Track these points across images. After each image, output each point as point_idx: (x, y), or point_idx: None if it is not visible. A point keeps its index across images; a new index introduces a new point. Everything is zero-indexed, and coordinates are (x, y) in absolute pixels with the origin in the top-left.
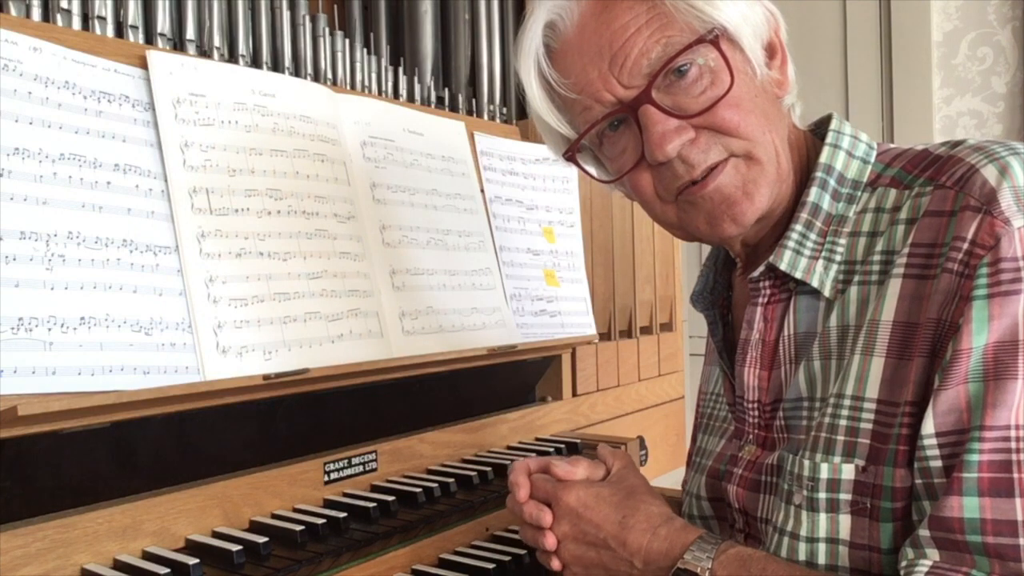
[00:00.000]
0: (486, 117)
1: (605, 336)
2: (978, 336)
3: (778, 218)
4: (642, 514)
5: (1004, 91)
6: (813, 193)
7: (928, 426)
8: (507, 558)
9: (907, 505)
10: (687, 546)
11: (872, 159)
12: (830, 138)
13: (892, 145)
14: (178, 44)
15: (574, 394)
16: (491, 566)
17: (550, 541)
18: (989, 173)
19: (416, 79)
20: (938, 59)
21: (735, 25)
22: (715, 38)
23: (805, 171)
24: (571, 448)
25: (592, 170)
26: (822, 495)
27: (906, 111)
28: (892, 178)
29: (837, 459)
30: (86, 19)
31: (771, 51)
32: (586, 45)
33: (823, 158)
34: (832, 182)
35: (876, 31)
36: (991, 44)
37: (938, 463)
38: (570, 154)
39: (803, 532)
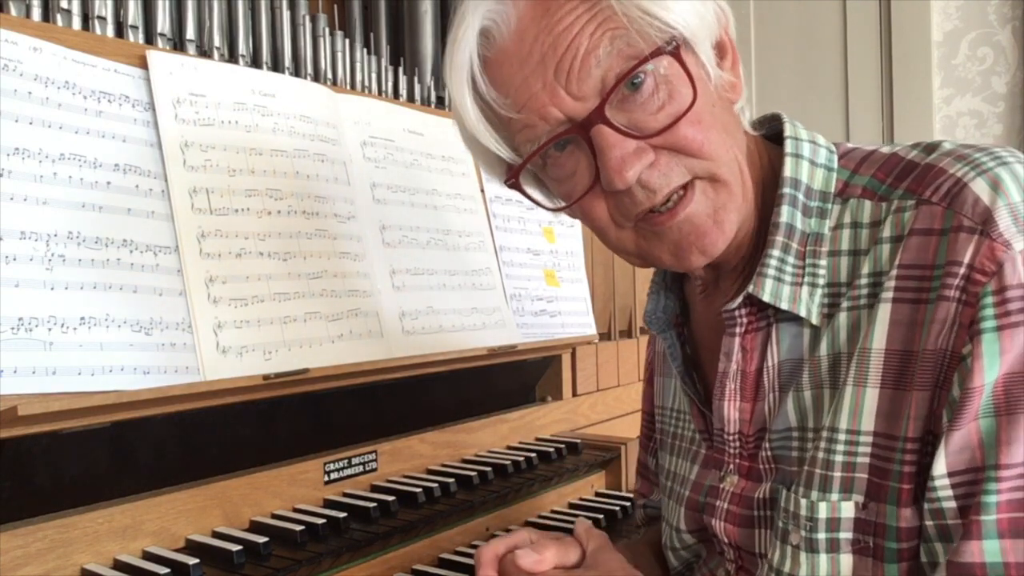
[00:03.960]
0: None
1: (605, 336)
2: (989, 372)
3: (741, 239)
4: None
5: (1004, 91)
6: (785, 212)
7: (940, 466)
8: None
9: (914, 546)
10: None
11: (835, 165)
12: (789, 147)
13: (851, 145)
14: (178, 44)
15: (574, 394)
16: None
17: None
18: (980, 188)
19: (416, 79)
20: (938, 59)
21: (692, 30)
22: (675, 48)
23: (763, 183)
24: (571, 448)
25: (537, 195)
26: (821, 535)
27: (906, 111)
28: (864, 188)
29: (835, 496)
30: (86, 19)
31: (721, 51)
32: (526, 54)
33: (788, 171)
34: (801, 197)
35: (876, 31)
36: (991, 44)
37: (952, 504)
38: (512, 180)
39: (802, 574)
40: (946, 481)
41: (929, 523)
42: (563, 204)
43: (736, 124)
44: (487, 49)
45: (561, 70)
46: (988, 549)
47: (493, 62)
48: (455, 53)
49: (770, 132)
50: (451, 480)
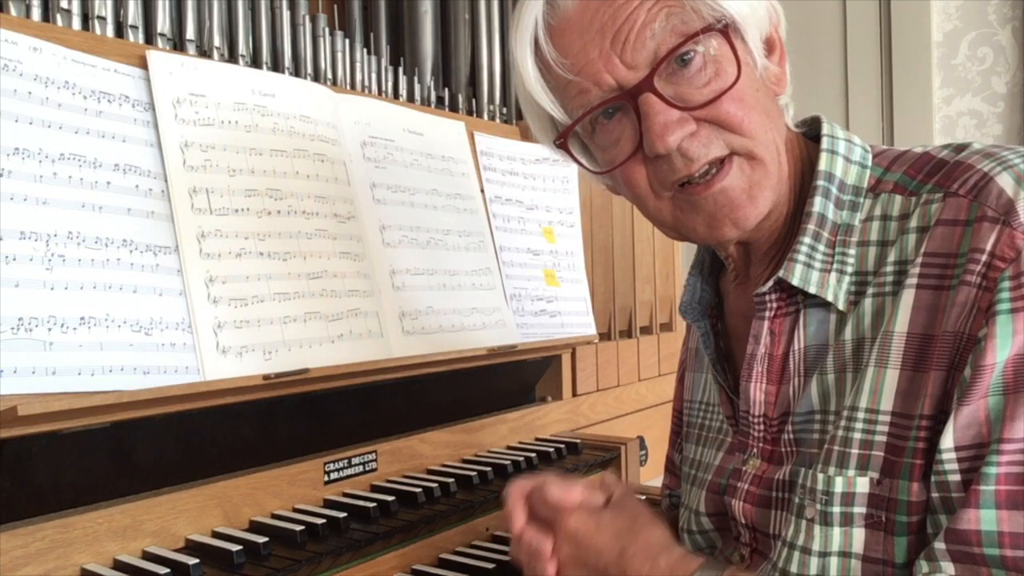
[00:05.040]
0: (486, 117)
1: (605, 336)
2: (1002, 351)
3: (774, 221)
4: (642, 543)
5: (1004, 91)
6: (817, 203)
7: (947, 440)
8: (507, 558)
9: (922, 519)
10: None
11: (869, 163)
12: (825, 143)
13: (886, 147)
14: (178, 44)
15: (574, 394)
16: (491, 566)
17: (551, 570)
18: (1005, 182)
19: (416, 79)
20: (938, 59)
21: (743, 16)
22: (724, 27)
23: (800, 175)
24: (571, 448)
25: (582, 159)
26: (836, 509)
27: (906, 111)
28: (895, 184)
29: (851, 472)
30: (86, 19)
31: (770, 46)
32: (587, 23)
33: (823, 165)
34: (834, 190)
35: (876, 31)
36: (991, 44)
37: (956, 477)
38: (561, 141)
39: (815, 547)
40: (952, 455)
41: (935, 495)
42: (606, 168)
43: (778, 113)
44: (551, 17)
45: (617, 40)
46: (984, 518)
47: (556, 29)
48: (521, 17)
49: (810, 133)
50: (451, 480)
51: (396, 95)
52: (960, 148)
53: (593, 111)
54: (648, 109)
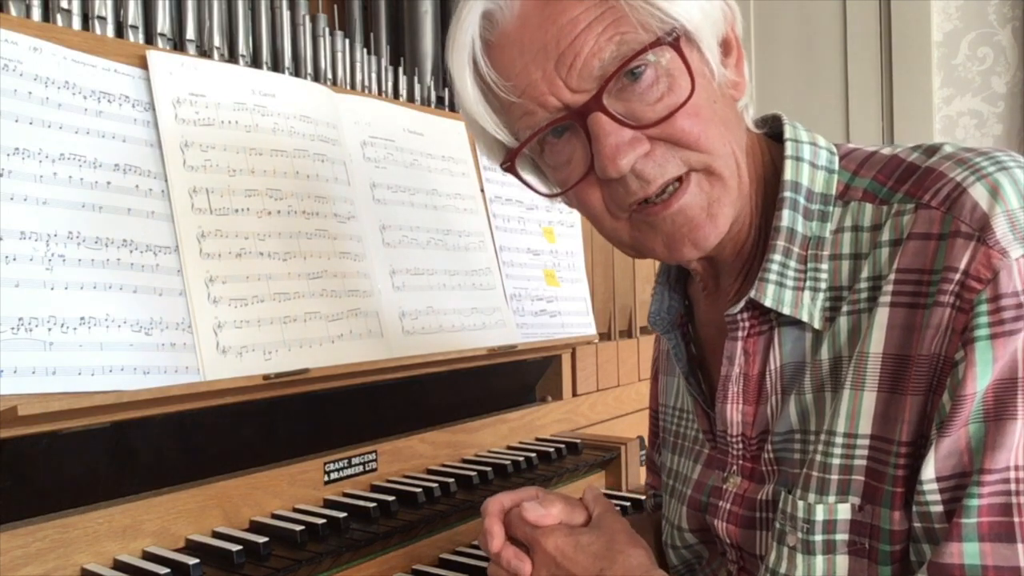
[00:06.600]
0: None
1: (605, 336)
2: (982, 379)
3: (736, 234)
4: (620, 567)
5: (1004, 91)
6: (786, 216)
7: (928, 471)
8: None
9: (905, 548)
10: None
11: (836, 167)
12: (789, 149)
13: (852, 145)
14: (178, 44)
15: (574, 394)
16: None
17: None
18: (979, 194)
19: (416, 79)
20: (938, 59)
21: (695, 24)
22: (675, 39)
23: (764, 180)
24: (571, 448)
25: (533, 180)
26: (818, 537)
27: (906, 111)
28: (864, 191)
29: (832, 499)
30: (86, 19)
31: (726, 48)
32: (528, 41)
33: (788, 175)
34: (801, 200)
35: (876, 31)
36: (991, 44)
37: (939, 508)
38: (508, 164)
39: (799, 574)
40: (934, 485)
41: (917, 525)
42: (559, 190)
43: (737, 121)
44: (489, 32)
45: (563, 64)
46: (968, 551)
47: (495, 45)
48: (456, 34)
49: (772, 132)
50: (451, 480)
51: (396, 95)
52: (931, 150)
53: (539, 132)
54: (598, 130)
